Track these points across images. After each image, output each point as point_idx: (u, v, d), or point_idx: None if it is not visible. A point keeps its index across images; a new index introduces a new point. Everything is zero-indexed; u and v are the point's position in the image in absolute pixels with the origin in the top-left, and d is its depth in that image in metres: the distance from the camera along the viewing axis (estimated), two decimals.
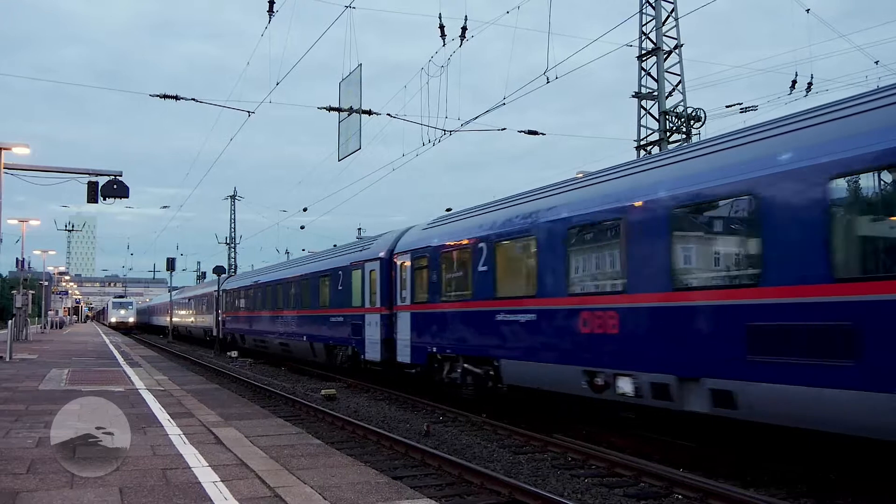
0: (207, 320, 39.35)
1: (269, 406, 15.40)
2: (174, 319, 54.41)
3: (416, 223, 18.32)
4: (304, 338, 23.59)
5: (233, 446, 8.14)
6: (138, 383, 15.24)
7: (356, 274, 19.43)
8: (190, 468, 6.99)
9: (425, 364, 15.37)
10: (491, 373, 12.96)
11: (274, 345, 27.55)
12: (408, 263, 16.43)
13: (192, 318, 46.93)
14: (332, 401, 16.68)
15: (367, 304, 18.50)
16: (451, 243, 14.56)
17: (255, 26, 45.76)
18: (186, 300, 50.45)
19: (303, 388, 19.77)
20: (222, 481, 6.46)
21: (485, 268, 13.09)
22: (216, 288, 37.92)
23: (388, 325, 17.24)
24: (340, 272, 20.66)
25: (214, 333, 37.93)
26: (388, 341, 17.23)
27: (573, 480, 9.08)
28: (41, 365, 19.73)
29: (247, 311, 32.16)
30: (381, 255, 17.93)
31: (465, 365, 13.82)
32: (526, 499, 7.97)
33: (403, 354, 16.36)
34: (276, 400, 17.07)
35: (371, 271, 18.38)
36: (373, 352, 17.94)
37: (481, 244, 13.26)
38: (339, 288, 20.57)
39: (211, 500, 5.83)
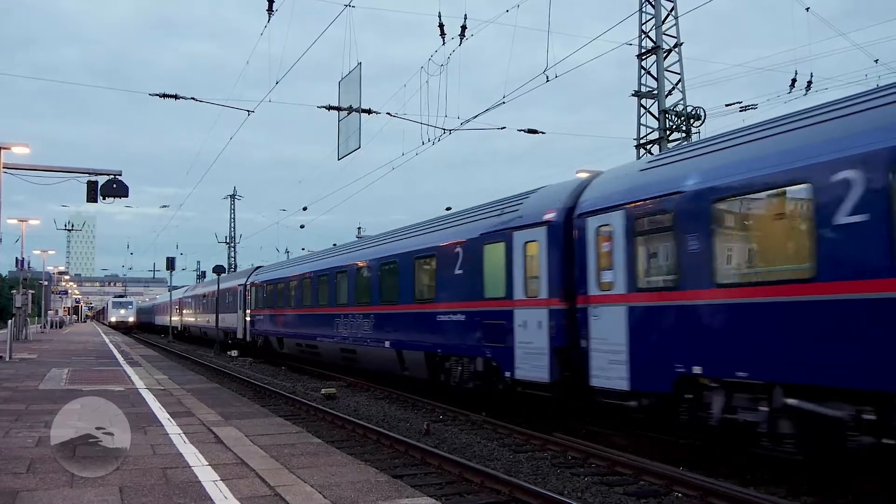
0: (228, 320, 33.99)
1: (270, 405, 15.42)
2: (183, 320, 51.68)
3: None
4: (387, 343, 17.43)
5: (233, 445, 8.15)
6: (138, 382, 15.25)
7: (493, 250, 13.53)
8: (190, 467, 6.99)
9: (668, 393, 9.57)
10: (868, 418, 7.36)
11: (331, 351, 21.63)
12: (614, 227, 10.71)
13: (207, 318, 40.73)
14: (332, 400, 16.74)
15: (519, 295, 12.65)
16: (748, 179, 8.54)
17: (255, 25, 45.95)
18: (199, 297, 44.45)
19: (303, 387, 19.82)
20: (222, 480, 6.46)
21: (864, 216, 7.27)
22: (241, 281, 32.67)
23: (566, 327, 11.57)
24: (459, 249, 14.59)
25: (239, 336, 32.21)
26: (564, 352, 11.59)
27: (573, 479, 9.10)
28: (41, 364, 19.73)
29: (287, 309, 26.28)
30: (549, 217, 12.15)
31: (789, 401, 8.03)
32: (526, 497, 7.98)
33: (609, 375, 10.50)
34: (277, 399, 17.09)
35: (527, 243, 12.56)
36: (532, 368, 12.06)
37: (849, 172, 7.39)
38: (458, 272, 14.66)
39: (211, 500, 5.83)
